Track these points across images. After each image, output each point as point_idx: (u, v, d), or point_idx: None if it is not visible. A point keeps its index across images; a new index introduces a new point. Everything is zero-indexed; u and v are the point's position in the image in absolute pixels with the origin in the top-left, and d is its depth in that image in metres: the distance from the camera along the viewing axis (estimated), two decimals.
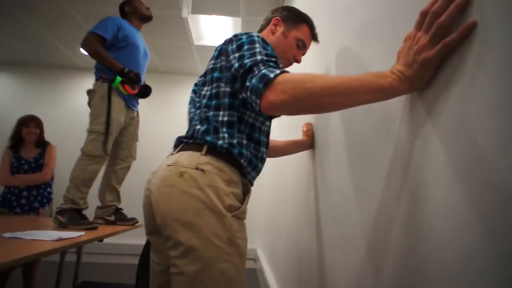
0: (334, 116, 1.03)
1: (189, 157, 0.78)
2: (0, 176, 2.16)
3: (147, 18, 1.92)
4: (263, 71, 0.67)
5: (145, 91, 1.83)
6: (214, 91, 0.85)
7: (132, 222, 1.80)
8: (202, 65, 3.83)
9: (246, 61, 0.73)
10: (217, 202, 0.74)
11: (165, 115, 3.98)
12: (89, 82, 4.40)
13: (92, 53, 1.69)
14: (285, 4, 2.51)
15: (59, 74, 4.16)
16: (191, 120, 0.94)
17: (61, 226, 1.50)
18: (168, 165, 0.78)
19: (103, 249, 3.43)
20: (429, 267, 0.50)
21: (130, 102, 1.81)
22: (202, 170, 0.75)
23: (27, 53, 3.85)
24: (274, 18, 1.04)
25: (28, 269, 2.08)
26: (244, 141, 0.84)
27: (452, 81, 0.48)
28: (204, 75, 0.93)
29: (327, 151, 1.11)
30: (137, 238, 3.14)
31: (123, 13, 1.91)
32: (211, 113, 0.84)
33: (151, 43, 2.97)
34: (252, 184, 0.91)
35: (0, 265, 0.79)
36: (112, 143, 1.69)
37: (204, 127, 0.83)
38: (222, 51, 0.87)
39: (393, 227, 0.64)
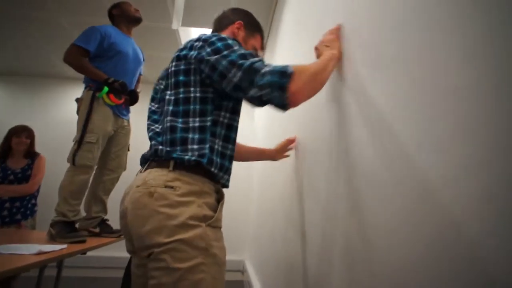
0: (323, 127, 1.03)
1: (156, 175, 0.77)
2: None
3: (136, 20, 1.88)
4: (277, 67, 0.73)
5: (132, 98, 1.79)
6: (181, 96, 0.83)
7: (118, 234, 1.76)
8: None
9: (241, 61, 0.76)
10: (189, 216, 0.73)
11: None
12: (79, 91, 4.37)
13: (74, 66, 1.68)
14: (278, 7, 2.51)
15: (49, 84, 4.12)
16: (152, 136, 0.90)
17: (51, 239, 1.48)
18: (138, 186, 0.78)
19: (86, 262, 3.31)
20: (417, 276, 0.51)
21: (119, 111, 1.77)
22: (172, 187, 0.75)
23: (16, 63, 3.82)
24: (238, 22, 1.04)
25: (5, 285, 2.00)
26: (216, 146, 0.83)
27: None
28: (166, 78, 0.90)
29: (315, 162, 1.12)
30: (122, 250, 3.05)
31: (112, 17, 1.88)
32: (179, 120, 0.81)
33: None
34: (227, 186, 0.89)
35: None
36: (99, 152, 1.66)
37: (169, 138, 0.81)
38: (182, 56, 0.85)
39: (378, 236, 0.65)
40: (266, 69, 0.74)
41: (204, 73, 0.81)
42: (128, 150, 1.90)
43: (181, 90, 0.83)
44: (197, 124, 0.81)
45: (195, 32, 3.03)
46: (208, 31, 1.03)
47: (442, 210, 0.46)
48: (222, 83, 0.79)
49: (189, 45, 0.87)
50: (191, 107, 0.82)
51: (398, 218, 0.57)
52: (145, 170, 0.83)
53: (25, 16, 2.82)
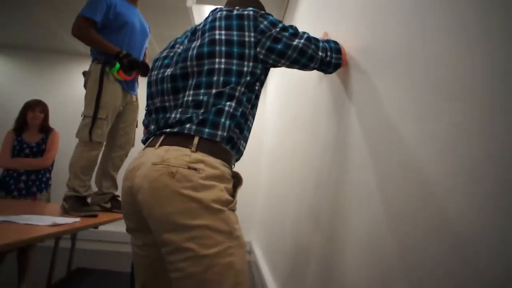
0: (353, 119, 0.96)
1: (177, 155, 0.73)
2: (0, 157, 2.14)
3: None
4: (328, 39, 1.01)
5: (144, 70, 1.71)
6: (223, 66, 0.79)
7: None
8: None
9: (300, 32, 0.89)
10: (213, 199, 0.72)
11: None
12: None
13: (83, 39, 1.60)
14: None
15: (60, 60, 4.14)
16: (164, 108, 0.85)
17: (65, 212, 1.51)
18: (154, 164, 0.73)
19: (97, 236, 3.44)
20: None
21: (128, 86, 1.72)
22: (195, 169, 0.72)
23: (27, 38, 3.82)
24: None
25: (22, 254, 2.08)
26: (245, 125, 0.85)
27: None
28: (206, 43, 0.82)
29: (328, 148, 1.09)
30: None
31: None
32: (213, 91, 0.78)
33: (154, 34, 2.92)
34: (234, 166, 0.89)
35: None
36: (108, 129, 1.65)
37: (202, 112, 0.77)
38: (236, 26, 0.83)
39: (400, 226, 0.63)
40: (325, 40, 0.96)
41: (264, 46, 0.83)
42: (136, 126, 1.87)
43: (223, 60, 0.80)
44: (234, 101, 0.79)
45: (208, 10, 2.96)
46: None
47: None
48: (286, 54, 0.85)
49: (235, 14, 0.84)
50: (229, 79, 0.79)
51: (410, 206, 0.56)
52: (160, 146, 0.77)
53: None
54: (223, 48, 0.80)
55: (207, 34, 0.83)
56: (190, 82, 0.82)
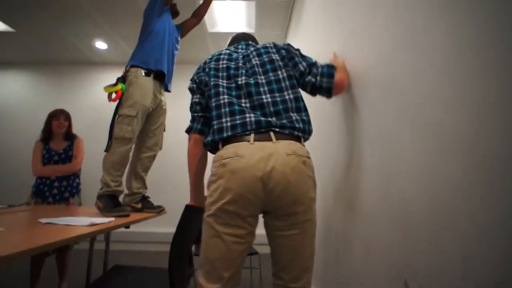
0: (357, 128, 1.05)
1: (298, 148, 0.96)
2: (33, 167, 2.24)
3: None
4: (323, 63, 1.14)
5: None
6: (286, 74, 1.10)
7: (158, 209, 1.84)
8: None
9: (308, 58, 1.16)
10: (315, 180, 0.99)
11: (180, 105, 4.01)
12: (105, 76, 4.46)
13: None
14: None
15: (76, 70, 4.27)
16: (254, 106, 1.03)
17: (99, 210, 1.59)
18: (289, 154, 0.92)
19: (129, 237, 3.55)
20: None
21: (160, 85, 1.86)
22: (309, 158, 0.98)
23: (45, 51, 3.96)
24: None
25: (61, 255, 2.18)
26: None
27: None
28: (260, 63, 1.12)
29: (361, 139, 1.08)
30: (162, 226, 3.23)
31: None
32: (299, 94, 1.07)
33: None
34: None
35: (40, 247, 0.82)
36: (138, 127, 1.72)
37: (296, 115, 1.01)
38: (284, 50, 1.16)
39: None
40: (323, 64, 1.13)
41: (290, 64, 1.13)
42: (164, 130, 1.94)
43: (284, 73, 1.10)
44: (303, 104, 1.07)
45: (217, 7, 2.95)
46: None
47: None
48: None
49: (272, 44, 1.19)
50: (295, 81, 1.10)
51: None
52: (278, 140, 0.94)
53: (48, 3, 2.88)
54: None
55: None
56: None
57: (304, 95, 1.09)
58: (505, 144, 0.44)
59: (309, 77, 1.09)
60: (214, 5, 2.94)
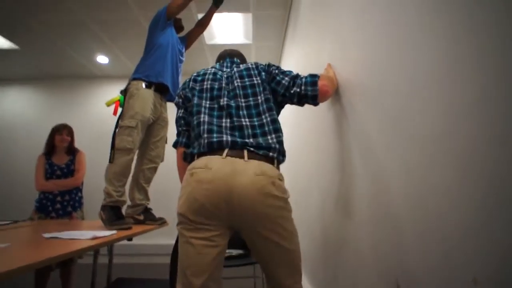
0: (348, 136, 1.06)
1: (270, 169, 0.97)
2: (36, 181, 2.27)
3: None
4: (309, 74, 1.16)
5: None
6: (265, 97, 1.13)
7: (160, 221, 1.85)
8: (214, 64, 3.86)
9: (288, 72, 1.20)
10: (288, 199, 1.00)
11: None
12: (106, 90, 4.50)
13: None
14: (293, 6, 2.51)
15: (79, 84, 4.34)
16: (233, 127, 1.05)
17: (101, 220, 1.62)
18: (258, 175, 0.93)
19: (132, 250, 3.55)
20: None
21: (162, 98, 1.90)
22: (281, 180, 0.98)
23: (47, 66, 4.04)
24: None
25: (65, 269, 2.18)
26: None
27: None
28: (241, 86, 1.16)
29: (364, 141, 1.10)
30: (165, 238, 3.23)
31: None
32: (276, 117, 1.10)
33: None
34: None
35: (44, 261, 0.84)
36: (139, 137, 1.75)
37: (275, 137, 1.04)
38: (264, 71, 1.21)
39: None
40: (305, 75, 1.16)
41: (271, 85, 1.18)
42: (166, 142, 1.97)
43: (267, 96, 1.15)
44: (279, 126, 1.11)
45: (214, 19, 3.01)
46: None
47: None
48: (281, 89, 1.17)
49: (254, 66, 1.23)
50: (272, 104, 1.13)
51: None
52: (249, 159, 0.96)
53: (49, 18, 2.96)
54: None
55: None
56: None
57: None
58: (489, 149, 0.46)
59: (294, 88, 1.12)
60: (212, 18, 3.01)
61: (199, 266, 0.91)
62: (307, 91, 1.10)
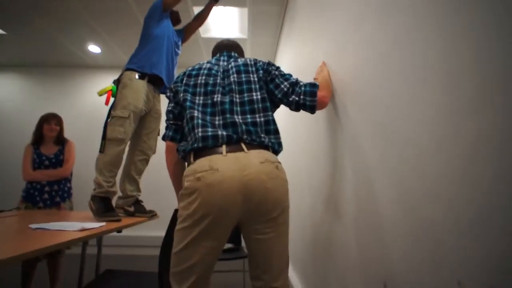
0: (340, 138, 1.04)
1: (270, 155, 1.01)
2: (23, 171, 2.23)
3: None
4: (306, 82, 1.15)
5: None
6: (262, 96, 1.12)
7: (151, 214, 1.84)
8: (208, 58, 3.83)
9: (288, 76, 1.18)
10: None
11: None
12: (99, 79, 4.44)
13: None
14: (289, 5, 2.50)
15: (69, 73, 4.25)
16: (226, 124, 1.05)
17: (91, 210, 1.60)
18: (262, 162, 0.96)
19: (121, 241, 3.54)
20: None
21: (155, 89, 1.88)
22: (280, 163, 1.03)
23: (37, 54, 3.93)
24: None
25: (53, 261, 2.17)
26: None
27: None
28: (236, 82, 1.14)
29: (346, 139, 1.11)
30: (154, 230, 3.23)
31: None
32: (269, 114, 1.10)
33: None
34: None
35: (30, 253, 0.83)
36: (131, 128, 1.74)
37: (264, 129, 1.06)
38: (263, 70, 1.19)
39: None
40: (306, 83, 1.15)
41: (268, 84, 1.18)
42: (158, 134, 1.96)
43: (261, 91, 1.14)
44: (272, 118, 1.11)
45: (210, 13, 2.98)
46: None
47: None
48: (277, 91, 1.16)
49: (253, 62, 1.22)
50: (268, 104, 1.12)
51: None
52: (250, 150, 0.99)
53: (41, 5, 2.88)
54: None
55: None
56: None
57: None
58: (479, 155, 0.47)
59: (293, 97, 1.12)
60: (210, 13, 2.97)
61: (202, 266, 0.94)
62: (305, 101, 1.10)
